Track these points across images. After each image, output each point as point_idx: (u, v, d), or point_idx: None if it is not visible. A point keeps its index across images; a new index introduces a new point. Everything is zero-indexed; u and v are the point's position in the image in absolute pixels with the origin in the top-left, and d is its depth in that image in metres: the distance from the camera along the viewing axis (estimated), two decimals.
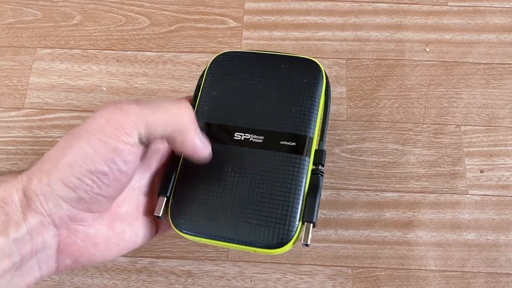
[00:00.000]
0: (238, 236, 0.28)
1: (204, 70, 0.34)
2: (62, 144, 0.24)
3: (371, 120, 0.48)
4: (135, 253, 0.44)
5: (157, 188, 0.30)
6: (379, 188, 0.46)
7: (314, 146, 0.31)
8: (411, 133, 0.48)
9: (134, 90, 0.50)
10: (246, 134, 0.30)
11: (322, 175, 0.30)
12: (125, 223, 0.28)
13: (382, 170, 0.46)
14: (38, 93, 0.50)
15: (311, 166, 0.30)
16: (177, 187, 0.30)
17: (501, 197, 0.46)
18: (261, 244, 0.28)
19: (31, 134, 0.48)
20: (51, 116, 0.49)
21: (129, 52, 0.51)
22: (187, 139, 0.27)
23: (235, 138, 0.30)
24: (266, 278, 0.43)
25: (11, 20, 0.53)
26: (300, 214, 0.28)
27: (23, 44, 0.52)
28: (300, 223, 0.28)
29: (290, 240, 0.28)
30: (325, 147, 0.47)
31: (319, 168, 0.30)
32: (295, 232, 0.28)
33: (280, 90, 0.32)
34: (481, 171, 0.47)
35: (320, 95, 0.32)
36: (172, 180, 0.30)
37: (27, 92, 0.50)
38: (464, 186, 0.46)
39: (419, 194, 0.46)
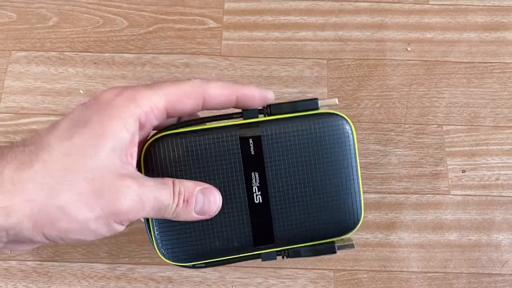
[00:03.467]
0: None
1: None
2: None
3: (353, 121, 0.48)
4: (114, 260, 0.43)
5: None
6: None
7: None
8: (393, 133, 0.48)
9: None
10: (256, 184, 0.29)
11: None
12: None
13: (364, 171, 0.46)
14: (14, 97, 0.49)
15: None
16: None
17: (483, 197, 0.46)
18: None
19: (6, 140, 0.47)
20: (27, 120, 0.48)
21: (107, 54, 0.50)
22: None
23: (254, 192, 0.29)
24: (248, 283, 0.43)
25: None
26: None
27: None
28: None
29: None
30: None
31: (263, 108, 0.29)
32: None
33: None
34: (463, 171, 0.46)
35: None
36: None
37: (2, 96, 0.49)
38: (446, 186, 0.46)
39: (401, 195, 0.46)
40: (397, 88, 0.49)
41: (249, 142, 0.28)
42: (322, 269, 0.43)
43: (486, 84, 0.50)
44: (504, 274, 0.43)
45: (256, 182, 0.28)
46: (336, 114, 0.29)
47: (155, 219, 0.28)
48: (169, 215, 0.26)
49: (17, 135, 0.47)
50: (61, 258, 0.43)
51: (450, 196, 0.46)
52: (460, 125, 0.48)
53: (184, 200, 0.26)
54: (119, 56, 0.50)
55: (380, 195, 0.45)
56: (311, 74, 0.50)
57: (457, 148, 0.47)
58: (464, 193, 0.46)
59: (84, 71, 0.50)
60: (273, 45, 0.51)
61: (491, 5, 0.53)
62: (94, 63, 0.50)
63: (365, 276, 0.43)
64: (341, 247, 0.30)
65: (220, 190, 0.28)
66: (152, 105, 0.25)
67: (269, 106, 0.29)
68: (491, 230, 0.45)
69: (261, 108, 0.29)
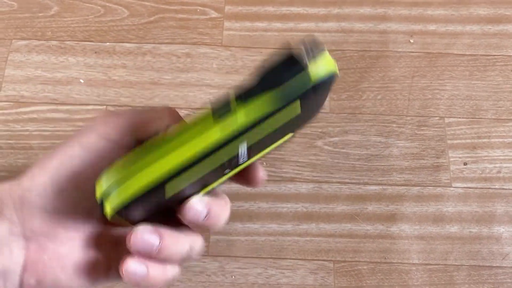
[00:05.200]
0: None
1: None
2: (52, 151, 0.23)
3: (354, 113, 0.48)
4: None
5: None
6: (361, 181, 0.45)
7: None
8: (395, 125, 0.47)
9: (112, 82, 0.49)
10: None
11: None
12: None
13: (365, 163, 0.46)
14: (14, 85, 0.49)
15: None
16: None
17: (484, 190, 0.45)
18: None
19: (7, 128, 0.47)
20: (28, 109, 0.48)
21: (108, 43, 0.50)
22: None
23: None
24: (247, 273, 0.42)
25: None
26: None
27: None
28: None
29: None
30: (308, 139, 0.46)
31: None
32: None
33: None
34: (465, 164, 0.46)
35: None
36: None
37: (3, 85, 0.48)
38: (448, 179, 0.46)
39: (402, 187, 0.45)
40: (399, 80, 0.49)
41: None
42: (322, 260, 0.43)
43: (488, 76, 0.49)
44: (505, 266, 0.43)
45: None
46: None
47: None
48: None
49: (18, 124, 0.47)
50: None
51: (452, 188, 0.45)
52: (462, 118, 0.48)
53: None
54: (119, 46, 0.50)
55: (381, 187, 0.45)
56: None
57: (459, 141, 0.47)
58: (465, 185, 0.45)
59: (85, 60, 0.50)
60: (275, 36, 0.51)
61: None
62: (95, 52, 0.50)
63: (365, 267, 0.43)
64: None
65: None
66: None
67: (245, 94, 0.19)
68: (492, 222, 0.44)
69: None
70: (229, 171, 0.23)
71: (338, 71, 0.19)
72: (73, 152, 0.22)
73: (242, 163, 0.23)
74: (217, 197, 0.24)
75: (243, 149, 0.21)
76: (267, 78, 0.19)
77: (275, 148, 0.23)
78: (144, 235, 0.21)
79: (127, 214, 0.20)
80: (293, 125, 0.21)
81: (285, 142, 0.23)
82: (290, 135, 0.23)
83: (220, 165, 0.21)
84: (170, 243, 0.22)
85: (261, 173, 0.26)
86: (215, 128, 0.19)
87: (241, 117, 0.19)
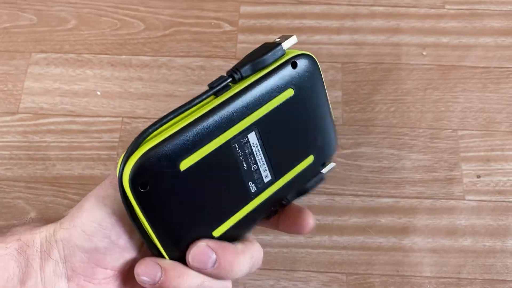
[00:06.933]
0: None
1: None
2: (89, 193, 0.24)
3: (367, 125, 0.48)
4: None
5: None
6: (374, 193, 0.45)
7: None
8: (407, 137, 0.47)
9: (128, 94, 0.50)
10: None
11: None
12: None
13: (378, 175, 0.46)
14: (33, 97, 0.50)
15: None
16: None
17: (498, 203, 0.45)
18: None
19: (26, 139, 0.48)
20: (46, 120, 0.49)
21: (124, 56, 0.51)
22: None
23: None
24: (260, 285, 0.43)
25: (7, 25, 0.53)
26: None
27: (18, 48, 0.52)
28: None
29: None
30: None
31: None
32: None
33: None
34: (478, 176, 0.46)
35: None
36: None
37: (22, 97, 0.50)
38: (461, 192, 0.46)
39: (415, 199, 0.45)
40: (412, 93, 0.49)
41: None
42: (335, 273, 0.43)
43: (502, 89, 0.49)
44: None
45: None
46: (305, 55, 0.25)
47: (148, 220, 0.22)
48: None
49: (36, 135, 0.48)
50: None
51: (465, 201, 0.45)
52: (475, 130, 0.48)
53: None
54: (136, 58, 0.51)
55: (394, 199, 0.45)
56: (325, 78, 0.50)
57: (472, 153, 0.47)
58: (478, 198, 0.45)
59: (102, 73, 0.51)
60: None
61: (508, 9, 0.53)
62: (111, 65, 0.51)
63: (377, 280, 0.43)
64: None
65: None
66: None
67: (237, 69, 0.24)
68: (506, 236, 0.44)
69: (229, 75, 0.24)
70: (256, 191, 0.24)
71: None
72: (106, 192, 0.23)
73: (268, 184, 0.25)
74: (246, 244, 0.24)
75: (252, 137, 0.24)
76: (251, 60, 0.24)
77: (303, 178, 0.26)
78: (203, 249, 0.22)
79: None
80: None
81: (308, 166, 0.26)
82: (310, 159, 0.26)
83: (239, 161, 0.23)
84: (228, 262, 0.22)
85: (310, 219, 0.26)
86: (215, 100, 0.23)
87: (235, 89, 0.23)
